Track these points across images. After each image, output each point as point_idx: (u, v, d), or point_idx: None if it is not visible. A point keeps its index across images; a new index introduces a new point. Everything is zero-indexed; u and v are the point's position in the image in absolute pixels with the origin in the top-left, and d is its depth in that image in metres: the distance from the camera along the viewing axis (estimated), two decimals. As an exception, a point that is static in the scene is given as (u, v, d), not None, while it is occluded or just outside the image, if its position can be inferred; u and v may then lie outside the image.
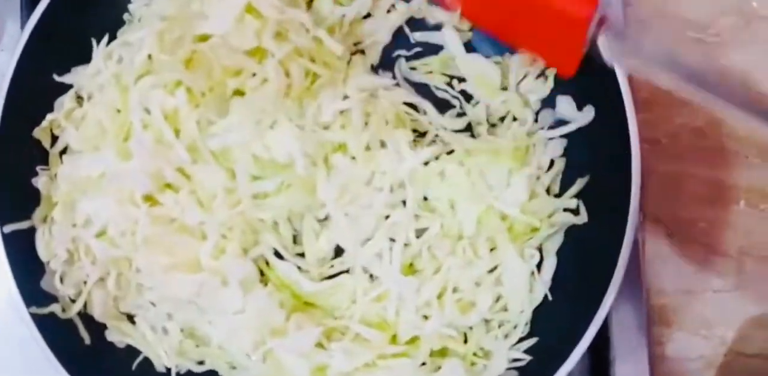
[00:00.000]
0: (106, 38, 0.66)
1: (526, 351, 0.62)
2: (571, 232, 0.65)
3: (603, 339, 0.66)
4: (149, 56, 0.62)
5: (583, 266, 0.63)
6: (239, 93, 0.63)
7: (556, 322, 0.62)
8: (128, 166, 0.60)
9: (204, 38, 0.62)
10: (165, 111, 0.61)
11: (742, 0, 0.75)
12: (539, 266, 0.64)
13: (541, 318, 0.64)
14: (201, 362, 0.64)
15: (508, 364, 0.62)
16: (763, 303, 0.70)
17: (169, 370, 0.63)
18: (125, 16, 0.68)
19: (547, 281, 0.64)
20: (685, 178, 0.73)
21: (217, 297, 0.60)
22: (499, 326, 0.63)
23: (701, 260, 0.71)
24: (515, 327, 0.63)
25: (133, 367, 0.63)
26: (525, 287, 0.63)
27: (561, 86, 0.66)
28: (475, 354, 0.63)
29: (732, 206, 0.72)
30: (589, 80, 0.62)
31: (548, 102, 0.67)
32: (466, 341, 0.63)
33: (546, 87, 0.66)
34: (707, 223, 0.72)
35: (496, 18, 0.58)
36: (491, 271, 0.63)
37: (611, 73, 0.60)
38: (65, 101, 0.66)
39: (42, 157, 0.65)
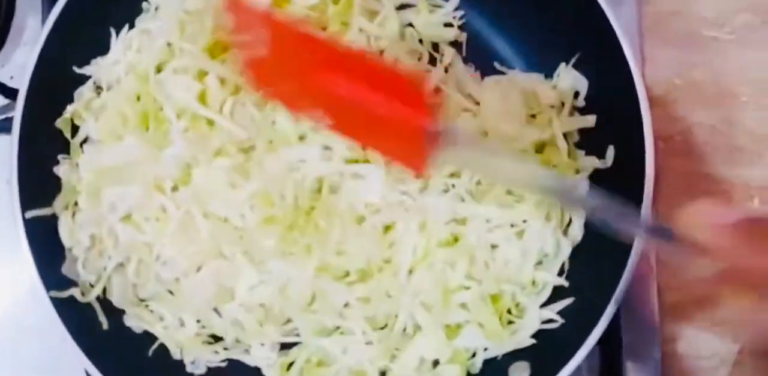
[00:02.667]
0: (126, 28, 0.68)
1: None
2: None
3: (614, 335, 0.66)
4: (168, 44, 0.63)
5: (596, 259, 0.63)
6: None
7: (566, 317, 0.62)
8: (157, 154, 0.61)
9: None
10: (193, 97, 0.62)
11: (757, -1, 0.76)
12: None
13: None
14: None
15: (539, 324, 0.62)
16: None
17: (184, 356, 0.64)
18: (144, 5, 0.69)
19: (577, 237, 0.63)
20: (698, 176, 0.73)
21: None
22: (533, 284, 0.63)
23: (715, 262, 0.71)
24: (545, 284, 0.63)
25: (150, 353, 0.64)
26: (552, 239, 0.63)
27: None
28: (509, 312, 0.63)
29: (745, 205, 0.72)
30: (603, 76, 0.63)
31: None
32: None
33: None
34: (720, 221, 0.72)
35: (349, 126, 0.56)
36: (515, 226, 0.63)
37: (626, 70, 0.61)
38: (84, 92, 0.67)
39: (64, 146, 0.67)
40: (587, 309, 0.60)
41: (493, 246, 0.63)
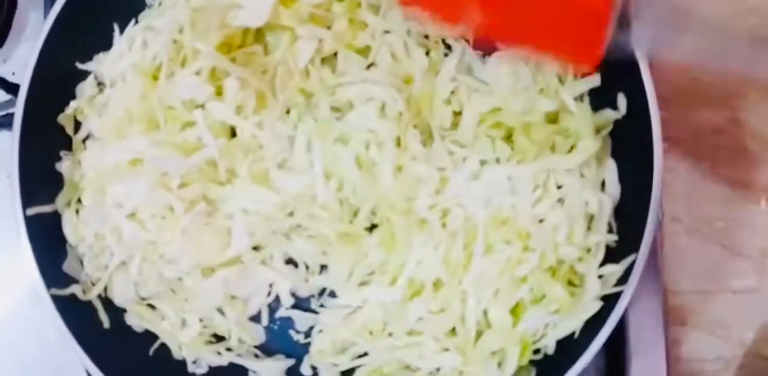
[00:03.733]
0: (132, 23, 0.67)
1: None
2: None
3: (619, 338, 0.66)
4: (174, 41, 0.63)
5: (603, 262, 0.62)
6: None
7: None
8: (162, 153, 0.61)
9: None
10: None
11: (764, 0, 0.75)
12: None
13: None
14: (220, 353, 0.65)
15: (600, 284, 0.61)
16: (784, 304, 0.70)
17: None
18: (148, 0, 0.68)
19: (615, 193, 0.63)
20: (705, 177, 0.73)
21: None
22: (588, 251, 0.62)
23: (720, 260, 0.71)
24: (598, 245, 0.62)
25: (151, 352, 0.64)
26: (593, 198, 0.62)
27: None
28: (570, 283, 0.62)
29: (752, 206, 0.72)
30: (612, 77, 0.62)
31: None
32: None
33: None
34: (727, 222, 0.72)
35: (508, 23, 0.56)
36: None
37: (635, 71, 0.60)
38: (86, 88, 0.66)
39: (66, 143, 0.66)
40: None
41: (541, 221, 0.62)
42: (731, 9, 0.65)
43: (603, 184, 0.64)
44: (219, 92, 0.63)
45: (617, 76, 0.61)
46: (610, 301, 0.59)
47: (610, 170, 0.63)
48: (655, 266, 0.68)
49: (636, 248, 0.59)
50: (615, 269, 0.60)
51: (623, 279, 0.59)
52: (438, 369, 0.62)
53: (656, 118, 0.59)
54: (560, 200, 0.62)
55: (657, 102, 0.60)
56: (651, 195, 0.59)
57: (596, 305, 0.60)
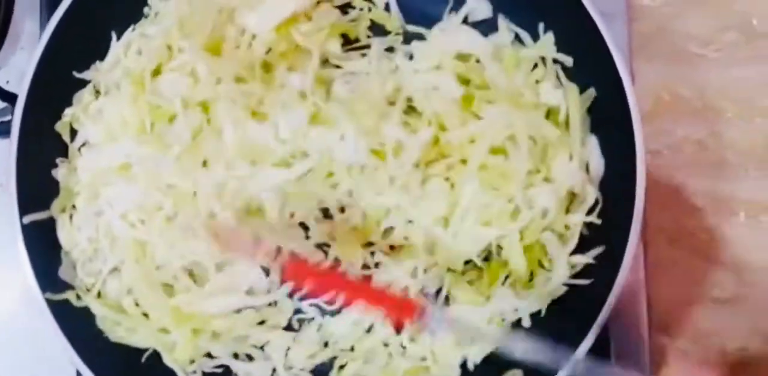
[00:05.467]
0: (130, 30, 0.68)
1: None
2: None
3: (603, 348, 0.66)
4: (168, 47, 0.64)
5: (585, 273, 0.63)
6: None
7: (557, 328, 0.62)
8: (155, 155, 0.62)
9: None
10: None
11: (743, 17, 0.77)
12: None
13: (540, 326, 0.64)
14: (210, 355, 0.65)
15: (569, 273, 0.62)
16: (763, 314, 0.71)
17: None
18: (145, 10, 0.69)
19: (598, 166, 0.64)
20: (686, 190, 0.74)
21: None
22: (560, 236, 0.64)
23: (701, 270, 0.72)
24: (576, 226, 0.63)
25: (144, 357, 0.64)
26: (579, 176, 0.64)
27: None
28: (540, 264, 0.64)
29: (732, 218, 0.73)
30: (596, 92, 0.64)
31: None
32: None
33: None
34: (707, 234, 0.73)
35: None
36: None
37: (618, 85, 0.62)
38: (84, 96, 0.67)
39: (62, 150, 0.67)
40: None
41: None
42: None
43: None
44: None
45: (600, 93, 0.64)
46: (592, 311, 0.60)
47: (594, 146, 0.65)
48: (637, 276, 0.69)
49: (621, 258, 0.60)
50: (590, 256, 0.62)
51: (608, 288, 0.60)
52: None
53: (639, 133, 0.61)
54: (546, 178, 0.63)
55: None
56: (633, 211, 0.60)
57: (561, 290, 0.62)
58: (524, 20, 0.68)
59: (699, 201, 0.74)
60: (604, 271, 0.61)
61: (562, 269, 0.63)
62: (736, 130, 0.75)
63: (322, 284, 0.57)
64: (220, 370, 0.65)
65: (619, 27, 0.75)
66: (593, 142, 0.65)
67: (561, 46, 0.66)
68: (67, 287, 0.63)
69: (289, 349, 0.66)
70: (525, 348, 0.55)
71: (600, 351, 0.64)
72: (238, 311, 0.65)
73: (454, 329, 0.59)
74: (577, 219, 0.63)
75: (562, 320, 0.63)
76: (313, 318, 0.66)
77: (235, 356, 0.66)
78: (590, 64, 0.64)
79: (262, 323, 0.66)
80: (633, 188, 0.60)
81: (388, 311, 0.57)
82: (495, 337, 0.61)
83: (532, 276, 0.64)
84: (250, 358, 0.66)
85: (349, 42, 0.69)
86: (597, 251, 0.62)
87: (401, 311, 0.56)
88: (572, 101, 0.65)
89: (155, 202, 0.62)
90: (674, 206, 0.73)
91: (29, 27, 0.76)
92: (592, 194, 0.64)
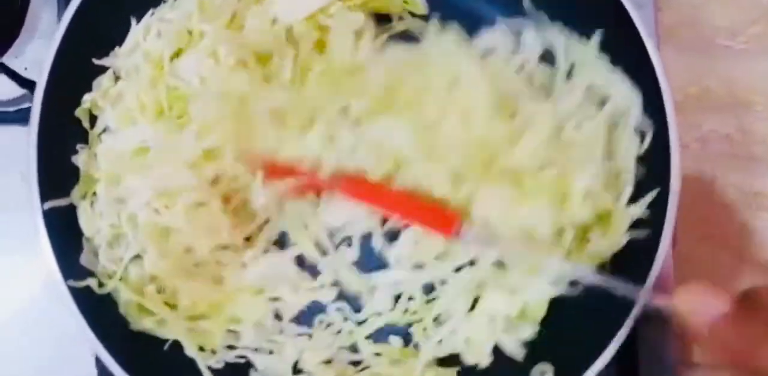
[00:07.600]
0: (149, 14, 0.67)
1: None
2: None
3: (630, 350, 0.66)
4: (189, 32, 0.64)
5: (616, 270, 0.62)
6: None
7: (585, 326, 0.61)
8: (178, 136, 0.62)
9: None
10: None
11: (771, 9, 0.76)
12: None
13: (568, 327, 0.63)
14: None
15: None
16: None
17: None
18: None
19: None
20: (714, 184, 0.73)
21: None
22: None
23: (730, 266, 0.71)
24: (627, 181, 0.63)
25: (167, 345, 0.63)
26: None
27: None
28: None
29: (761, 213, 0.72)
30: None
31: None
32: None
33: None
34: (737, 230, 0.72)
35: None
36: None
37: (652, 74, 0.61)
38: (103, 81, 0.66)
39: (83, 137, 0.66)
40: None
41: None
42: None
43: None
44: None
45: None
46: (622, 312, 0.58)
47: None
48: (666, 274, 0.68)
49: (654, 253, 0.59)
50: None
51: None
52: None
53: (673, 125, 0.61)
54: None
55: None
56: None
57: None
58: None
59: (727, 196, 0.73)
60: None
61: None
62: (764, 124, 0.74)
63: (369, 196, 0.60)
64: (242, 360, 0.64)
65: (646, 18, 0.74)
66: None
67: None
68: (88, 273, 0.62)
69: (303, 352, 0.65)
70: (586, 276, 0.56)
71: (627, 353, 0.65)
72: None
73: (488, 244, 0.60)
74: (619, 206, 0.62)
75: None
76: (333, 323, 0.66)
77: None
78: (623, 53, 0.63)
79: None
80: (668, 180, 0.60)
81: (427, 222, 0.59)
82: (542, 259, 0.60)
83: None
84: (269, 352, 0.65)
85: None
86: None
87: (440, 222, 0.59)
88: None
89: (179, 184, 0.61)
90: (702, 200, 0.72)
91: (47, 14, 0.76)
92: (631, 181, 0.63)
